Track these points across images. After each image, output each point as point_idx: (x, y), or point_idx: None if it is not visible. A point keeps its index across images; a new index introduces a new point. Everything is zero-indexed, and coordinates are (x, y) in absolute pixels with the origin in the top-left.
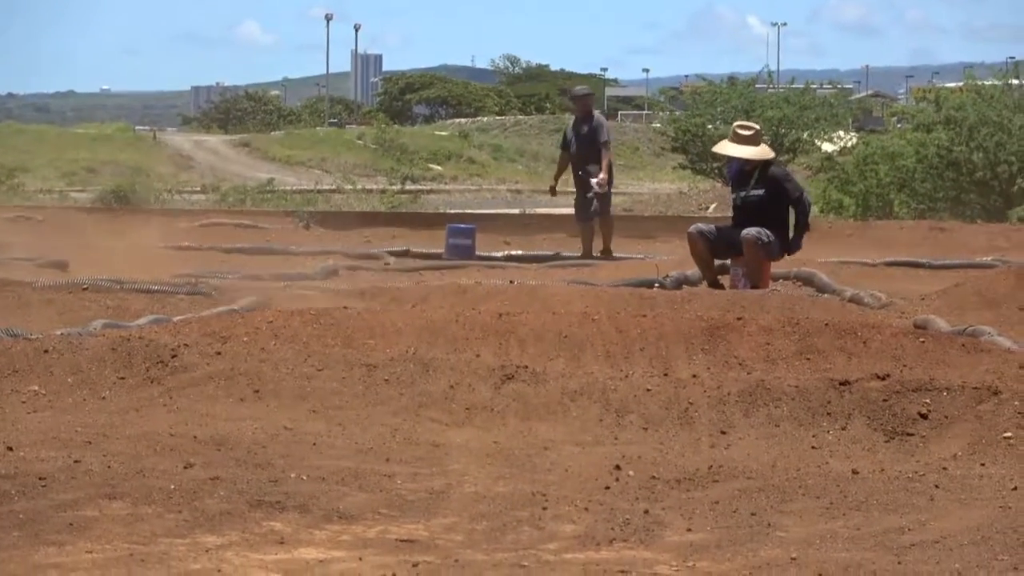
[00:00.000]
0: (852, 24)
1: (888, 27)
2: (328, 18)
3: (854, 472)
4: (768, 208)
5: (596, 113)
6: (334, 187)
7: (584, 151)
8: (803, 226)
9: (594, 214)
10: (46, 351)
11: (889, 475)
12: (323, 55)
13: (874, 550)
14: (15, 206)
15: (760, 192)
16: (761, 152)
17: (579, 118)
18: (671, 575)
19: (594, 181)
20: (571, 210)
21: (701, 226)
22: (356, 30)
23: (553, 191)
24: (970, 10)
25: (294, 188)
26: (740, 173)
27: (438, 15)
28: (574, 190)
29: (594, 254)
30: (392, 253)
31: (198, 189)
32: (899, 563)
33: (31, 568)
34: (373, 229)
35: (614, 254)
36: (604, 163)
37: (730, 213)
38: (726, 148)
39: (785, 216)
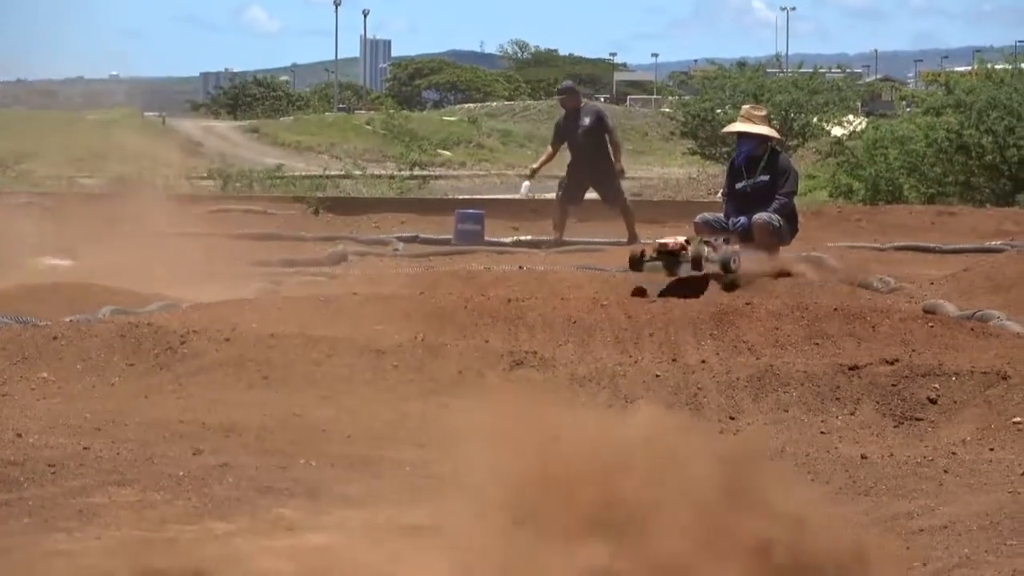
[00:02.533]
0: (859, 8)
1: (895, 11)
2: (336, 3)
3: (863, 457)
4: (775, 192)
5: (588, 103)
6: (343, 173)
7: (589, 143)
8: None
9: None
10: (55, 338)
11: (898, 460)
12: (332, 41)
13: (883, 535)
14: (24, 192)
15: (766, 178)
16: (772, 132)
17: (569, 112)
18: None
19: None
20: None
21: (707, 215)
22: (364, 15)
23: (534, 174)
24: None
25: (303, 174)
26: (748, 160)
27: (446, 0)
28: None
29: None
30: (401, 239)
31: (206, 175)
32: (908, 548)
33: (40, 555)
34: (382, 215)
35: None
36: (618, 154)
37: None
38: (737, 126)
39: (789, 199)
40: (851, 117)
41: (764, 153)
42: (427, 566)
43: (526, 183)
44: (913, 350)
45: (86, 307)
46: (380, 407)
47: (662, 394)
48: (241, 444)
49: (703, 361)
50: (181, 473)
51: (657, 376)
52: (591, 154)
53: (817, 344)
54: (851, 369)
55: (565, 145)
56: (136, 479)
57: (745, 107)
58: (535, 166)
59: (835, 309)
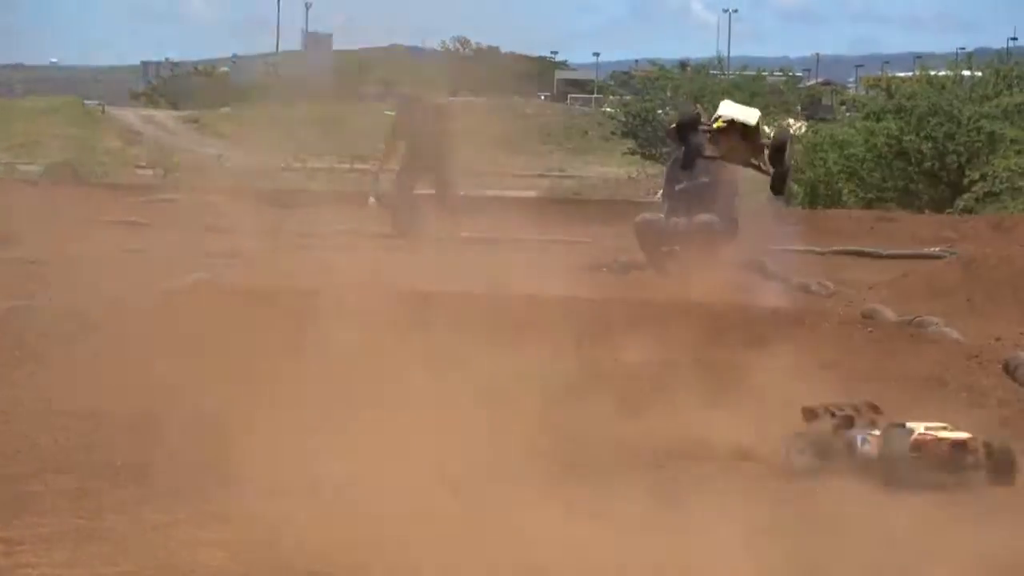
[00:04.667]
0: (800, 12)
1: (836, 16)
2: None
3: None
4: (716, 193)
5: (430, 102)
6: (283, 165)
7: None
8: None
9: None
10: None
11: None
12: (273, 32)
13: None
14: None
15: (707, 180)
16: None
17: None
18: None
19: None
20: (517, 193)
21: (647, 215)
22: (307, 8)
23: (377, 176)
24: (914, 0)
25: (242, 166)
26: (687, 159)
27: None
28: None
29: None
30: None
31: (144, 164)
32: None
33: None
34: (320, 207)
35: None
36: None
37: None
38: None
39: (731, 201)
40: (792, 121)
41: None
42: None
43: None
44: (852, 355)
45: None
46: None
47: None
48: (178, 433)
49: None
50: (119, 462)
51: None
52: (436, 147)
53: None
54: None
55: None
56: (74, 467)
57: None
58: (379, 167)
59: (773, 312)
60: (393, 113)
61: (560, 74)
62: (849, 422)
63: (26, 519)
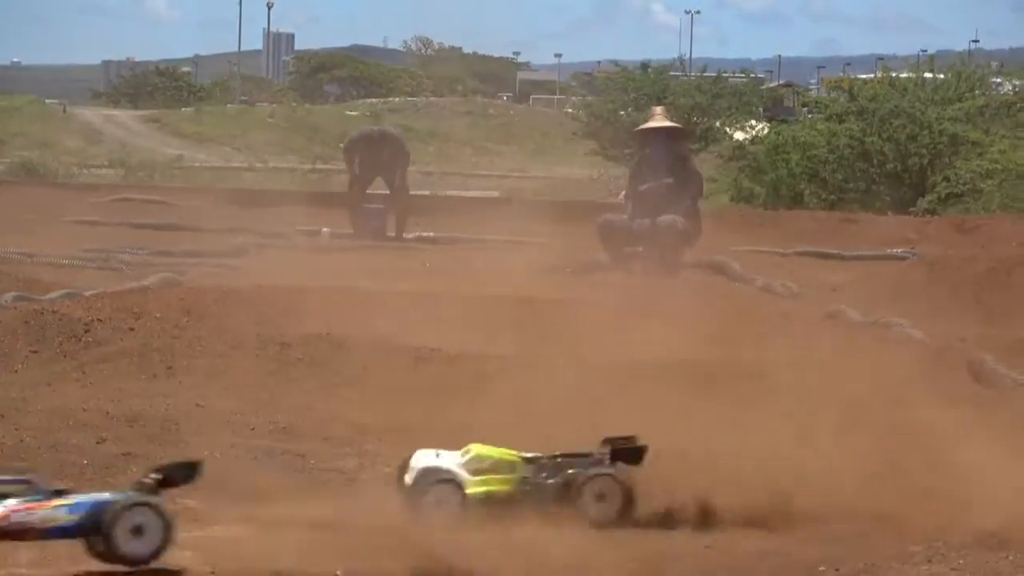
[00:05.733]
0: (761, 14)
1: (797, 17)
2: None
3: None
4: (680, 194)
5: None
6: (245, 165)
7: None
8: None
9: None
10: None
11: None
12: (235, 32)
13: None
14: None
15: (671, 180)
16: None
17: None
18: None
19: None
20: (479, 193)
21: (611, 216)
22: (269, 7)
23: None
24: (876, 2)
25: (204, 165)
26: (651, 160)
27: None
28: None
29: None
30: (304, 232)
31: (106, 164)
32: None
33: None
34: (282, 208)
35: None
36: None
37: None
38: (655, 123)
39: (694, 202)
40: (753, 122)
41: (670, 154)
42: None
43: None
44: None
45: None
46: (285, 400)
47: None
48: (145, 434)
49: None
50: (85, 461)
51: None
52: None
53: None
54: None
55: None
56: (40, 467)
57: (658, 108)
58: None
59: (739, 312)
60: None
61: (522, 75)
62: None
63: None
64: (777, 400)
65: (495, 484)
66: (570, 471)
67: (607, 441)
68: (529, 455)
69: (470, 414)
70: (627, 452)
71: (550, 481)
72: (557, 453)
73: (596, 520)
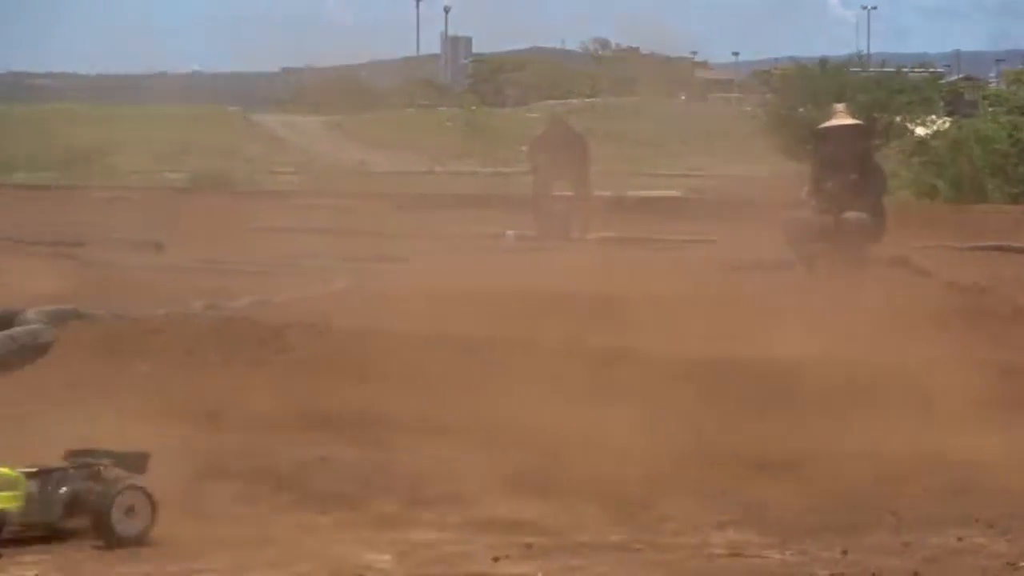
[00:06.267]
0: (938, 8)
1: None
2: (418, 0)
3: None
4: (864, 191)
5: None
6: (425, 169)
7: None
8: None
9: None
10: (152, 332)
11: None
12: (413, 37)
13: None
14: (111, 186)
15: (855, 177)
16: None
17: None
18: (782, 559)
19: None
20: (660, 193)
21: (795, 213)
22: (446, 12)
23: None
24: None
25: (385, 169)
26: (833, 157)
27: None
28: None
29: None
30: (489, 235)
31: (290, 170)
32: None
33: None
34: (464, 211)
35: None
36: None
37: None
38: (837, 121)
39: (878, 198)
40: (934, 117)
41: (853, 151)
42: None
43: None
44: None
45: (182, 300)
46: (476, 403)
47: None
48: (338, 438)
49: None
50: (281, 467)
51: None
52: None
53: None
54: None
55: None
56: (238, 473)
57: (839, 105)
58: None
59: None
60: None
61: (700, 74)
62: None
63: (191, 524)
64: None
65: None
66: (84, 483)
67: (76, 453)
68: (32, 469)
69: None
70: (133, 459)
71: (61, 493)
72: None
73: (124, 537)
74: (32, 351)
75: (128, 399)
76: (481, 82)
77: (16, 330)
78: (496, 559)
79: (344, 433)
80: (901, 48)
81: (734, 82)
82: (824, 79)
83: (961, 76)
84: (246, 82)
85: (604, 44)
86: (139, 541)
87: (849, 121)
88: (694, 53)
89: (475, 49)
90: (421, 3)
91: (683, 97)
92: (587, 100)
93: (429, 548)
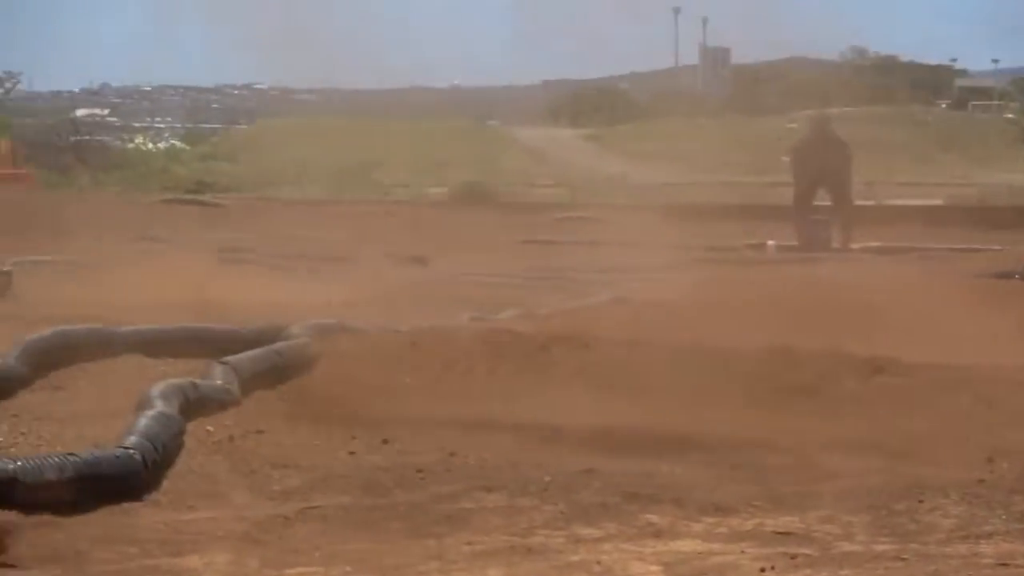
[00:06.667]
0: None
1: None
2: (676, 11)
3: None
4: None
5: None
6: (686, 180)
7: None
8: None
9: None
10: (416, 344)
11: None
12: (672, 48)
13: None
14: (374, 200)
15: None
16: None
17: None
18: None
19: None
20: (921, 202)
21: None
22: (704, 23)
23: None
24: None
25: (645, 181)
26: None
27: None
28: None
29: None
30: (749, 246)
31: (550, 183)
32: None
33: (412, 559)
34: (725, 222)
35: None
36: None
37: None
38: None
39: None
40: None
41: None
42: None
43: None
44: None
45: (445, 313)
46: (739, 415)
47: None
48: (605, 450)
49: None
50: (547, 479)
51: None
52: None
53: None
54: None
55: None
56: (503, 485)
57: None
58: None
59: None
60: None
61: (960, 81)
62: None
63: (459, 537)
64: None
65: None
66: None
67: None
68: None
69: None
70: None
71: None
72: None
73: None
74: (298, 365)
75: (394, 410)
76: (740, 92)
77: (281, 344)
78: (763, 570)
79: (609, 444)
80: None
81: (994, 89)
82: None
83: None
84: (506, 95)
85: (862, 52)
86: None
87: None
88: (953, 60)
89: (733, 60)
90: (680, 15)
91: (943, 105)
92: (846, 109)
93: (696, 559)
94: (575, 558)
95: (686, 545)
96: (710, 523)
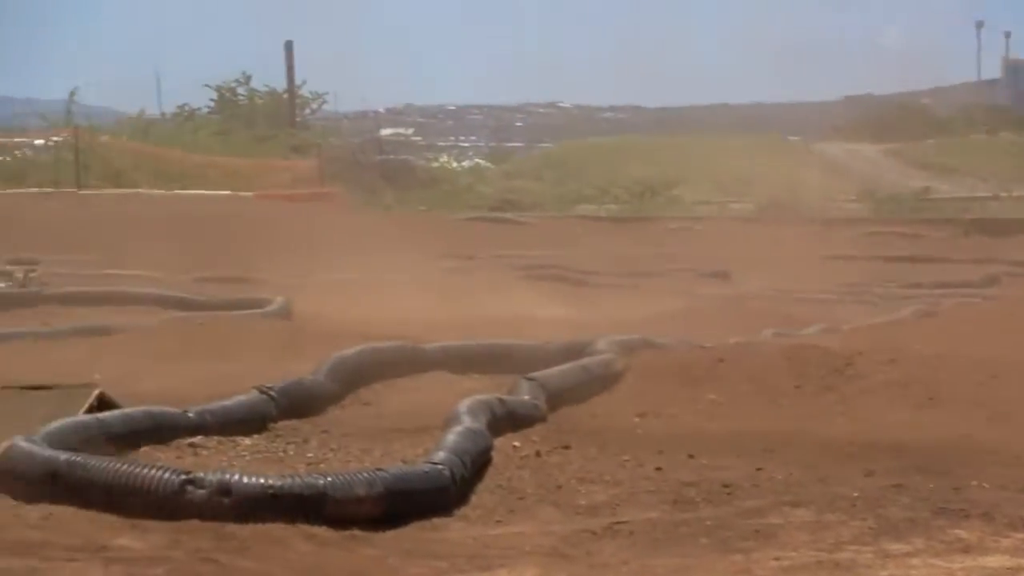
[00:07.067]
0: None
1: None
2: (979, 25)
3: None
4: None
5: None
6: (990, 195)
7: None
8: None
9: None
10: (721, 360)
11: None
12: (974, 62)
13: None
14: (678, 217)
15: None
16: None
17: None
18: None
19: None
20: None
21: None
22: (1007, 36)
23: None
24: None
25: (949, 196)
26: None
27: None
28: None
29: None
30: None
31: (852, 198)
32: None
33: (720, 575)
34: None
35: None
36: None
37: None
38: None
39: None
40: None
41: None
42: None
43: None
44: None
45: (749, 328)
46: None
47: None
48: (912, 465)
49: None
50: (855, 494)
51: None
52: None
53: None
54: None
55: None
56: (810, 500)
57: None
58: None
59: None
60: None
61: None
62: None
63: (766, 552)
64: None
65: None
66: None
67: None
68: None
69: None
70: None
71: None
72: None
73: None
74: (603, 380)
75: (699, 425)
76: None
77: (587, 360)
78: None
79: (917, 460)
80: None
81: None
82: None
83: None
84: (807, 111)
85: None
86: None
87: None
88: None
89: None
90: (983, 29)
91: None
92: None
93: (1006, 575)
94: (883, 573)
95: (995, 560)
96: (1019, 539)
